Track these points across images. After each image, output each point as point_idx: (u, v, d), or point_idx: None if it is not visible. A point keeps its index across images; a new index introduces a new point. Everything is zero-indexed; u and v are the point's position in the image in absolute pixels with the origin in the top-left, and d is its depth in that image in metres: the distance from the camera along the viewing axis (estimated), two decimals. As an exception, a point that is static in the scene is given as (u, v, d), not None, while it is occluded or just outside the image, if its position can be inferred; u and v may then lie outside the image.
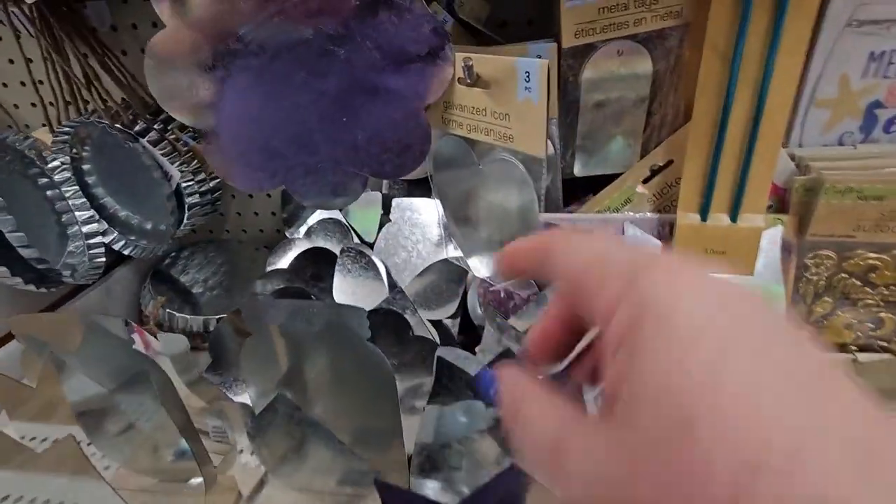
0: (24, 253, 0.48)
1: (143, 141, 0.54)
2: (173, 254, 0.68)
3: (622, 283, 0.14)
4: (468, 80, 0.30)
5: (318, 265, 0.59)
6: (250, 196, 0.69)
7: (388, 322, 0.49)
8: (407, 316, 0.49)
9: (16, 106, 0.67)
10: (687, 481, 0.11)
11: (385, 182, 0.65)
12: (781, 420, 0.11)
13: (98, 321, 0.35)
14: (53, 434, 0.44)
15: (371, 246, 0.59)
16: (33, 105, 0.65)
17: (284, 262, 0.62)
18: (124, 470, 0.43)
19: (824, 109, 0.41)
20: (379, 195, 0.63)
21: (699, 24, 0.36)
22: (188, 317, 0.57)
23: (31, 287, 0.48)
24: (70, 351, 0.36)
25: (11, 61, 0.63)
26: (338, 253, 0.57)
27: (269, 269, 0.64)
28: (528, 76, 0.30)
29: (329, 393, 0.40)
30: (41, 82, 0.55)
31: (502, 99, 0.31)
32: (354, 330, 0.32)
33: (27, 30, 0.53)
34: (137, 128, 0.54)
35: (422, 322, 0.50)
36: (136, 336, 0.40)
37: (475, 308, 0.53)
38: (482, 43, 0.47)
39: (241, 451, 0.44)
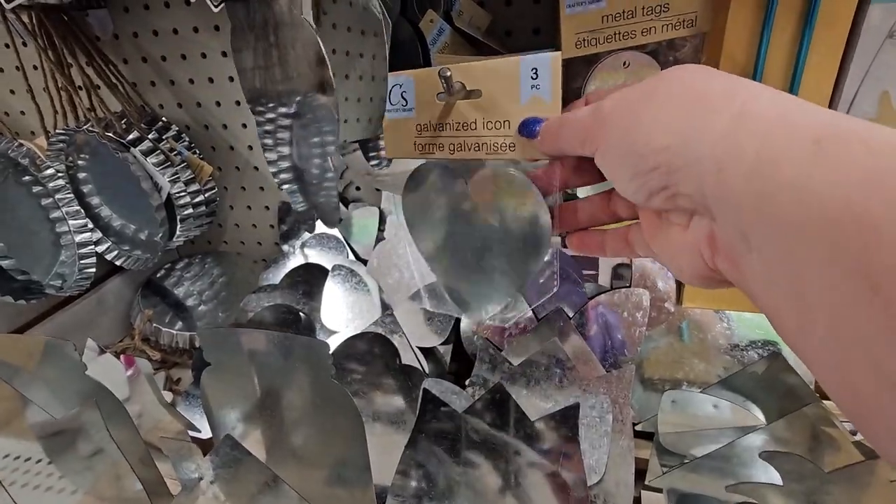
0: (4, 264, 0.46)
1: (135, 150, 0.52)
2: (168, 265, 0.67)
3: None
4: (449, 94, 0.27)
5: (310, 282, 0.57)
6: (248, 208, 0.68)
7: (375, 347, 0.46)
8: (396, 342, 0.46)
9: (22, 113, 0.67)
10: (693, 100, 0.18)
11: (384, 194, 0.63)
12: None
13: (57, 345, 0.33)
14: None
15: (366, 263, 0.56)
16: (40, 114, 0.65)
17: (278, 276, 0.60)
18: (90, 497, 0.40)
19: (860, 130, 0.36)
20: (377, 209, 0.61)
21: (715, 34, 0.33)
22: (174, 332, 0.55)
23: (9, 299, 0.47)
24: (29, 373, 0.34)
25: (18, 68, 0.63)
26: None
27: (262, 283, 0.62)
28: (535, 73, 0.27)
29: (306, 424, 0.37)
30: (45, 89, 0.55)
31: (499, 106, 0.28)
32: (319, 365, 0.29)
33: (25, 38, 0.52)
34: (130, 137, 0.53)
35: (411, 349, 0.47)
36: (104, 357, 0.38)
37: (469, 335, 0.50)
38: (482, 54, 0.45)
39: (213, 482, 0.41)
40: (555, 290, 0.33)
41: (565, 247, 0.30)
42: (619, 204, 0.26)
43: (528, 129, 0.26)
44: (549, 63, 0.25)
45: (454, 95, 0.27)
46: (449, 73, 0.25)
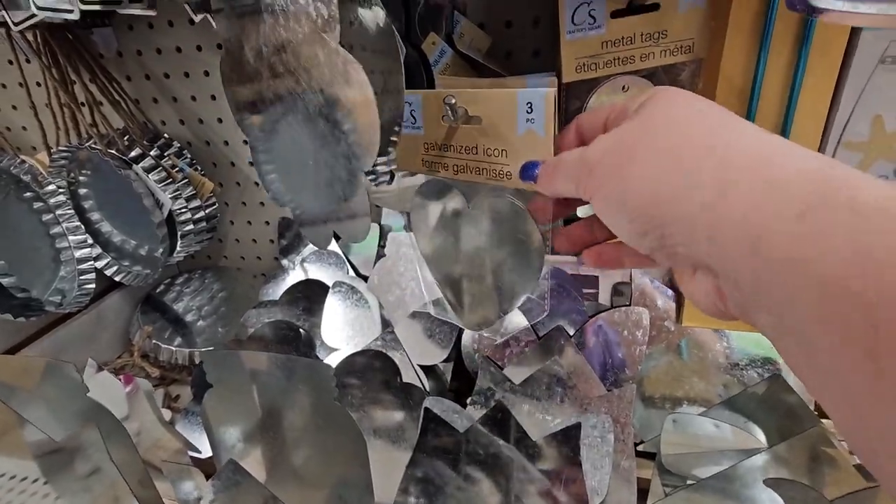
0: (4, 281, 0.46)
1: (137, 167, 0.53)
2: (168, 280, 0.67)
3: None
4: (453, 120, 0.28)
5: (310, 298, 0.57)
6: (249, 223, 0.68)
7: (376, 365, 0.46)
8: (396, 359, 0.46)
9: (24, 129, 0.68)
10: (675, 155, 0.18)
11: (385, 210, 0.63)
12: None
13: (57, 365, 0.33)
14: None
15: (366, 279, 0.57)
16: (42, 130, 0.65)
17: (278, 292, 0.60)
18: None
19: (855, 153, 0.37)
20: (376, 225, 0.61)
21: (713, 59, 0.33)
22: (173, 348, 0.55)
23: (8, 316, 0.46)
24: (28, 392, 0.34)
25: (21, 85, 0.64)
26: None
27: (262, 298, 0.62)
28: (530, 107, 0.27)
29: (307, 444, 0.37)
30: (48, 105, 0.55)
31: (498, 135, 0.28)
32: (321, 387, 0.29)
33: (29, 55, 0.52)
34: (132, 154, 0.53)
35: (412, 367, 0.47)
36: (103, 375, 0.38)
37: (470, 352, 0.50)
38: (482, 75, 0.45)
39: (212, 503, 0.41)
40: (545, 314, 0.33)
41: (582, 263, 0.30)
42: None
43: (527, 173, 0.27)
44: (543, 99, 0.26)
45: (457, 120, 0.28)
46: (453, 101, 0.26)
